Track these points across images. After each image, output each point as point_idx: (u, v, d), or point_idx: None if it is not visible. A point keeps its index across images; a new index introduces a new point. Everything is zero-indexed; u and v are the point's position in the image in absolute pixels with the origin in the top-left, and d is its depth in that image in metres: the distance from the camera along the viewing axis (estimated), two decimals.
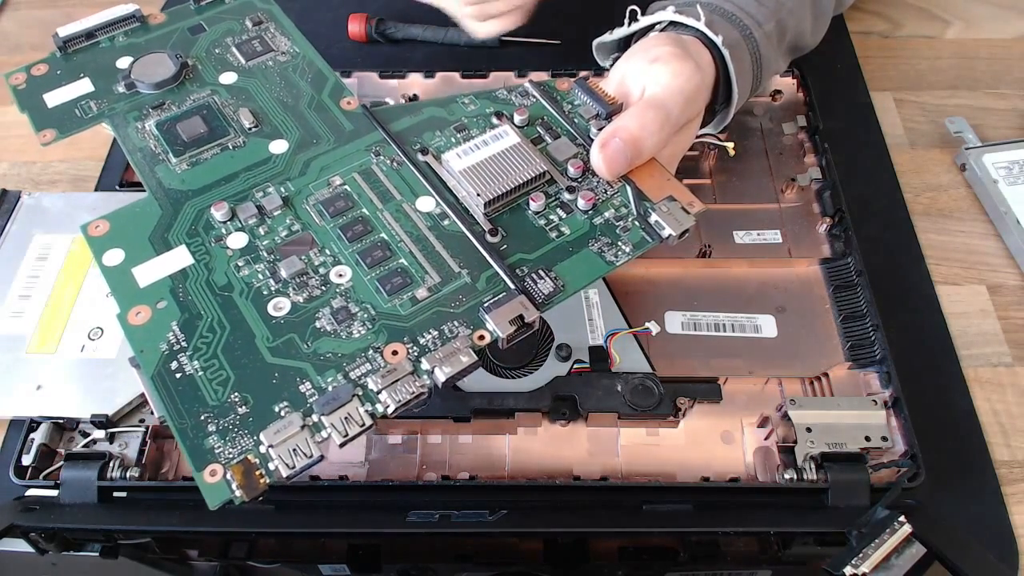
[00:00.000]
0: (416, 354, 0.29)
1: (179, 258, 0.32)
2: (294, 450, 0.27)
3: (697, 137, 0.44)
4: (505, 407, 0.38)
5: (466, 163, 0.34)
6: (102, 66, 0.39)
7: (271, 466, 0.27)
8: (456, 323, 0.30)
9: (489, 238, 0.33)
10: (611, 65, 0.49)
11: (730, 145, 0.47)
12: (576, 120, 0.37)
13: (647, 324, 0.40)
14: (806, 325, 0.43)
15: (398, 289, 0.31)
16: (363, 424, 0.28)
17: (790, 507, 0.37)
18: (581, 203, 0.33)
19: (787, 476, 0.37)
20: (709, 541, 0.37)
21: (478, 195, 0.33)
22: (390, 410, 0.28)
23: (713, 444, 0.40)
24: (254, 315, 0.30)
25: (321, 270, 0.32)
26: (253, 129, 0.36)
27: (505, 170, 0.33)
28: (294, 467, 0.27)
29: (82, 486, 0.36)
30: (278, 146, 0.36)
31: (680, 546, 0.38)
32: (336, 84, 0.38)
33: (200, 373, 0.29)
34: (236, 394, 0.28)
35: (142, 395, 0.39)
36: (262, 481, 0.26)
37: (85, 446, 0.39)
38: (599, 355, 0.39)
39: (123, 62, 0.39)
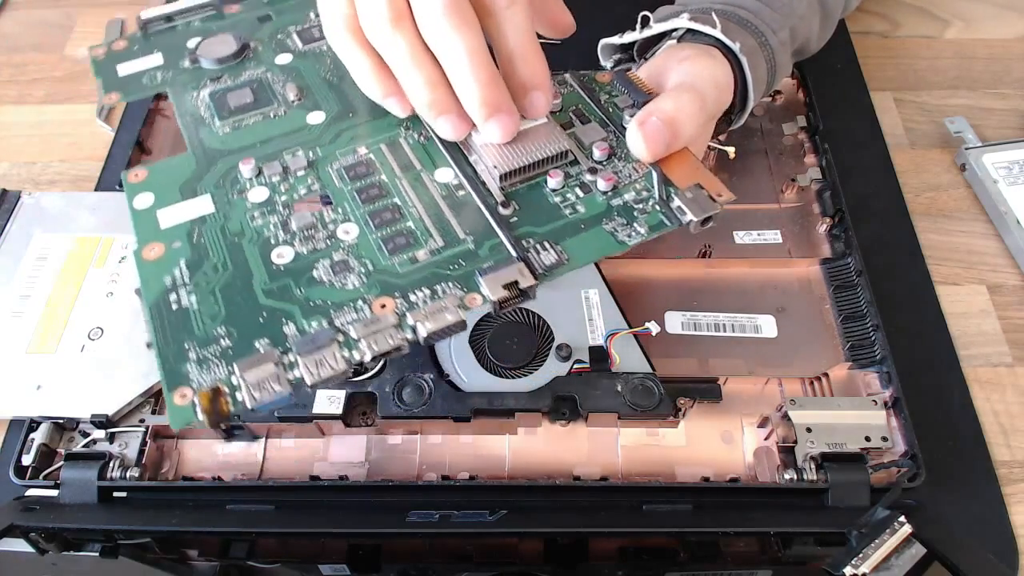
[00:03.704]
0: (404, 309, 0.29)
1: (202, 205, 0.33)
2: (262, 383, 0.27)
3: None
4: (505, 407, 0.38)
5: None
6: (174, 45, 0.41)
7: (238, 396, 0.27)
8: (450, 284, 0.30)
9: (501, 210, 0.32)
10: (613, 66, 0.49)
11: (731, 149, 0.47)
12: (611, 109, 0.36)
13: (647, 324, 0.40)
14: (806, 325, 0.43)
15: (400, 249, 0.31)
16: (336, 368, 0.27)
17: (790, 507, 0.37)
18: (601, 184, 0.33)
19: (787, 476, 0.37)
20: (709, 541, 0.38)
21: (494, 167, 0.32)
22: (367, 357, 0.28)
23: (713, 444, 0.40)
24: (257, 260, 0.31)
25: (331, 226, 0.32)
26: (296, 102, 0.38)
27: (527, 146, 0.33)
28: (260, 400, 0.27)
29: (82, 486, 0.36)
30: (315, 117, 0.37)
31: (680, 546, 0.38)
32: None
33: (195, 307, 0.30)
34: (222, 327, 0.29)
35: (142, 395, 0.39)
36: (226, 408, 0.27)
37: (85, 446, 0.39)
38: (599, 355, 0.39)
39: (193, 42, 0.41)
